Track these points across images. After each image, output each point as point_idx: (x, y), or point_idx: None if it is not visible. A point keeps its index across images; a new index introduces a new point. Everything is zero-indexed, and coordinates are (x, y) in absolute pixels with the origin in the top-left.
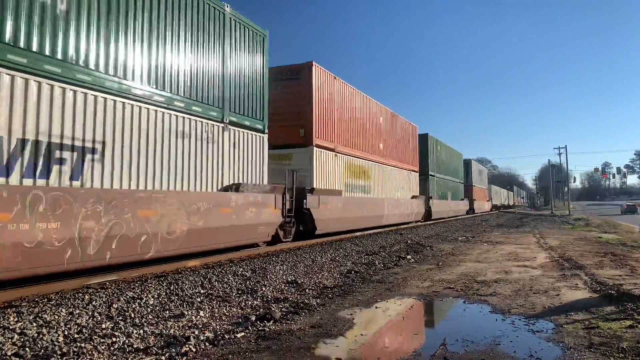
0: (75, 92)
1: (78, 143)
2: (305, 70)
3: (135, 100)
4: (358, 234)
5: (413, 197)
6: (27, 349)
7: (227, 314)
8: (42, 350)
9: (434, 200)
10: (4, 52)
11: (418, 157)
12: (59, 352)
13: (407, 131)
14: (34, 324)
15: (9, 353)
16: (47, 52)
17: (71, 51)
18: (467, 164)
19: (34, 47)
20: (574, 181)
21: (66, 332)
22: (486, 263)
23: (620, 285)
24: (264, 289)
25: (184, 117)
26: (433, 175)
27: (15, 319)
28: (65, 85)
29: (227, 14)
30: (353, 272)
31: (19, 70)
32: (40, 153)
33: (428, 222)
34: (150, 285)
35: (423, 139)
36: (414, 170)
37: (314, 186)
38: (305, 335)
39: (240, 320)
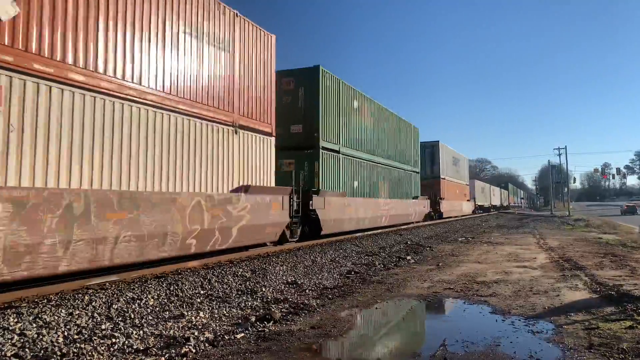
0: None
1: None
2: None
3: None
4: (359, 235)
5: (246, 188)
6: (26, 349)
7: (227, 314)
8: (42, 351)
9: (328, 197)
10: None
11: (275, 107)
12: (58, 353)
13: (228, 35)
14: (34, 325)
15: (8, 354)
16: None
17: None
18: (432, 147)
19: None
20: (574, 182)
21: (66, 333)
22: (486, 264)
23: (620, 285)
24: (263, 289)
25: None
26: (335, 151)
27: (15, 320)
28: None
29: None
30: (353, 273)
31: None
32: None
33: (318, 241)
34: (150, 285)
35: (305, 77)
36: (256, 131)
37: None
38: (305, 336)
39: (240, 321)
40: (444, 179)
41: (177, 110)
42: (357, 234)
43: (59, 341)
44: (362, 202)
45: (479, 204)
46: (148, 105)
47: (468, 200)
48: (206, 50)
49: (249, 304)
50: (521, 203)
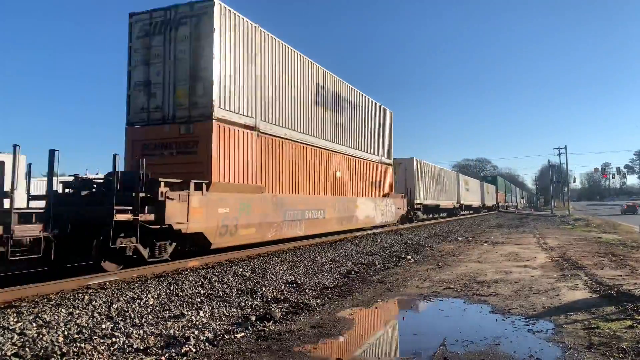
0: None
1: None
2: None
3: None
4: (358, 234)
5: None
6: (26, 349)
7: (227, 314)
8: (42, 351)
9: None
10: None
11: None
12: (58, 353)
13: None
14: (34, 324)
15: (8, 353)
16: None
17: None
18: (196, 18)
19: None
20: (574, 181)
21: (66, 333)
22: (486, 263)
23: (620, 285)
24: (263, 289)
25: None
26: None
27: (15, 319)
28: None
29: None
30: (353, 273)
31: None
32: None
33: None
34: (150, 285)
35: None
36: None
37: None
38: (305, 336)
39: (240, 320)
40: (225, 120)
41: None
42: (357, 233)
43: (59, 340)
44: None
45: (429, 202)
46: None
47: (386, 196)
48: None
49: (249, 303)
50: (518, 203)
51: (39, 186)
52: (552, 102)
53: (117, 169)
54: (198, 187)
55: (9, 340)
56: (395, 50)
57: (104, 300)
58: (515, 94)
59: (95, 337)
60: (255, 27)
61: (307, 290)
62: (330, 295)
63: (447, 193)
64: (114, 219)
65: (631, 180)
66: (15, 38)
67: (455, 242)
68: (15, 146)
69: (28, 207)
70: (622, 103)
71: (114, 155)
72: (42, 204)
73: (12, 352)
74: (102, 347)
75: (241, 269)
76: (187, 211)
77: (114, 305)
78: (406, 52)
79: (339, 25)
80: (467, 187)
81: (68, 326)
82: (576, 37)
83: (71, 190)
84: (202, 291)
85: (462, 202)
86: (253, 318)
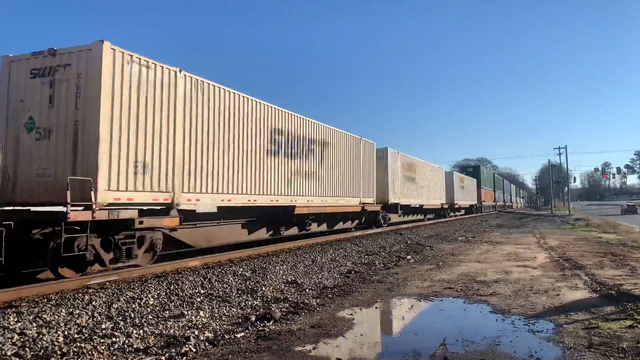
0: None
1: None
2: None
3: None
4: (358, 233)
5: None
6: (27, 349)
7: (227, 314)
8: (42, 351)
9: None
10: None
11: None
12: (59, 352)
13: None
14: (34, 324)
15: (9, 353)
16: None
17: None
18: None
19: None
20: (574, 181)
21: (66, 332)
22: (486, 263)
23: (620, 285)
24: (264, 289)
25: None
26: None
27: (15, 319)
28: None
29: None
30: (353, 272)
31: None
32: None
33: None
34: (150, 285)
35: None
36: None
37: None
38: (305, 336)
39: (240, 320)
40: None
41: None
42: (357, 233)
43: (59, 340)
44: None
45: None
46: None
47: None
48: None
49: (249, 303)
50: (515, 202)
51: None
52: (552, 102)
53: None
54: None
55: (9, 340)
56: (396, 50)
57: (104, 300)
58: (515, 93)
59: (95, 337)
60: None
61: (307, 290)
62: (330, 295)
63: (342, 184)
64: None
65: (631, 180)
66: None
67: (455, 242)
68: None
69: None
70: (622, 102)
71: None
72: None
73: (12, 352)
74: (102, 347)
75: (241, 269)
76: None
77: (114, 305)
78: (406, 53)
79: (340, 25)
80: (413, 177)
81: (68, 326)
82: (576, 36)
83: None
84: (202, 291)
85: (394, 201)
86: (253, 318)
